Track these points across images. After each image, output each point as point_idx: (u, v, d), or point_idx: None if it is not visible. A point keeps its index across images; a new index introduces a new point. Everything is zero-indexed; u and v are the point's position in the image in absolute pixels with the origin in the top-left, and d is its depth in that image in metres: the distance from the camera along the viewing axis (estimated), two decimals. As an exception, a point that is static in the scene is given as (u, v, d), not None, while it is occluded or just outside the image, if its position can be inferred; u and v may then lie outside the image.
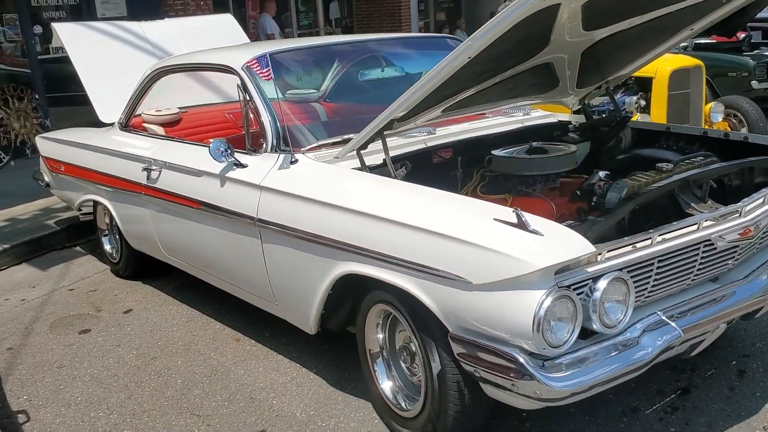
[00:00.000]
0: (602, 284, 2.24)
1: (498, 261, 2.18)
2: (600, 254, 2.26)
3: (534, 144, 3.20)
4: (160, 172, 3.93)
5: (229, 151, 3.30)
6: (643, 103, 6.11)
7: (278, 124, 3.30)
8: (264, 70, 3.45)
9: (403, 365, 2.85)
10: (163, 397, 3.29)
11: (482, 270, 2.22)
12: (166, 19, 6.24)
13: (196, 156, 3.70)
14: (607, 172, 3.03)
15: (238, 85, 3.39)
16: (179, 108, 4.92)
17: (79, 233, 5.82)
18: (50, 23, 5.85)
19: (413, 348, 2.70)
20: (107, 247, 5.04)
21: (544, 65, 3.08)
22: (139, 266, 4.80)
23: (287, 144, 3.22)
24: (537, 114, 3.88)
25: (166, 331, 4.01)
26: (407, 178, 2.93)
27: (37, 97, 8.57)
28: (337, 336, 3.31)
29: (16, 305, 4.61)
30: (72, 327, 4.16)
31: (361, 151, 2.98)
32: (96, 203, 4.88)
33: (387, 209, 2.59)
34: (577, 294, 2.22)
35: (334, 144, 3.23)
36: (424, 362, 2.55)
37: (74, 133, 5.26)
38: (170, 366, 3.58)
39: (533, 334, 2.12)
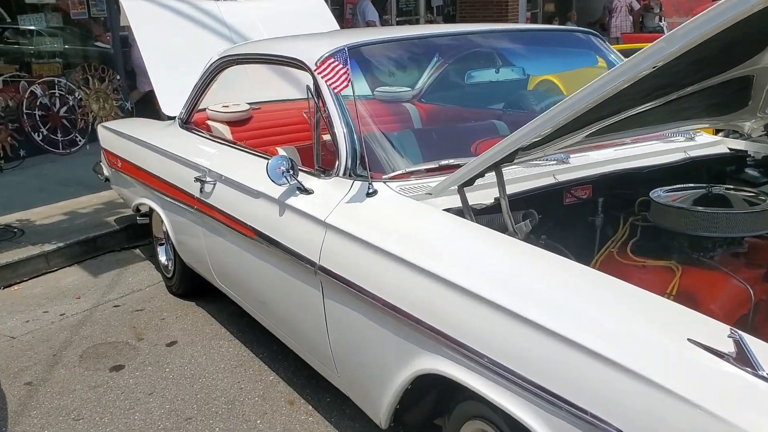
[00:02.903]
0: None
1: (697, 420, 1.28)
2: None
3: (713, 189, 2.25)
4: (215, 185, 3.21)
5: (292, 172, 2.52)
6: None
7: (355, 140, 2.50)
8: (342, 69, 2.63)
9: None
10: (188, 483, 2.57)
11: (662, 428, 1.33)
12: (249, -1, 5.53)
13: (255, 171, 2.94)
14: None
15: (308, 86, 2.60)
16: (249, 104, 4.21)
17: (139, 234, 5.22)
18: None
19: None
20: (162, 258, 4.40)
21: (741, 79, 2.13)
22: (194, 284, 4.12)
23: (365, 167, 2.40)
24: (703, 140, 2.90)
25: (209, 378, 3.29)
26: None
27: (118, 77, 8.14)
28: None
29: (53, 321, 4.02)
30: (105, 360, 3.51)
31: (465, 188, 2.13)
32: (151, 209, 4.24)
33: (498, 287, 1.74)
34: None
35: (427, 171, 2.39)
36: None
37: (134, 126, 4.65)
38: (205, 433, 2.86)
39: None
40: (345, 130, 2.52)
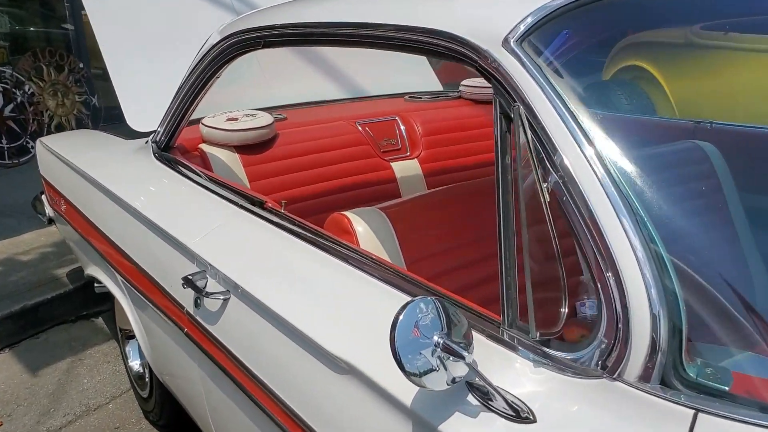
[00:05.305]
0: None
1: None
2: None
3: None
4: (226, 302, 1.53)
5: (466, 354, 0.86)
6: None
7: (658, 238, 0.85)
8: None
9: None
10: None
11: None
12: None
13: (323, 290, 1.28)
14: None
15: (518, 109, 0.93)
16: (264, 110, 2.56)
17: (101, 295, 3.56)
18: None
19: None
20: (133, 363, 2.74)
21: None
22: (183, 413, 2.45)
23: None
24: None
25: None
26: None
27: (81, 65, 6.45)
28: None
29: (-54, 490, 2.37)
30: None
31: None
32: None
33: None
34: None
35: None
36: None
37: (84, 147, 2.94)
38: None
39: None
40: (641, 240, 0.85)
